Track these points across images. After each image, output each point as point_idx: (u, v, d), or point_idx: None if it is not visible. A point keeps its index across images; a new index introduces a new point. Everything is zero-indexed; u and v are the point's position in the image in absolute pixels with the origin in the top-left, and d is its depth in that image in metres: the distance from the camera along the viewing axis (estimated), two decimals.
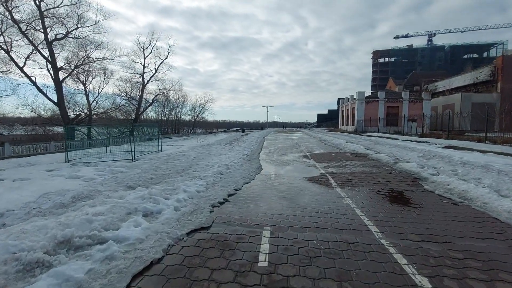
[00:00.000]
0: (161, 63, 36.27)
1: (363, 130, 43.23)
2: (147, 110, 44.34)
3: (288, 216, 4.42)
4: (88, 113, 31.72)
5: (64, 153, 10.38)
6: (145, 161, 8.87)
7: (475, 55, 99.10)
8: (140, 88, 36.33)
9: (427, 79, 66.91)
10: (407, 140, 22.39)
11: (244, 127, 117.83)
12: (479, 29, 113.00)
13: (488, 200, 4.95)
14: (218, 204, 4.95)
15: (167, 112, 49.48)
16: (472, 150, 13.30)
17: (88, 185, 5.39)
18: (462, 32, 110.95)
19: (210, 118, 60.95)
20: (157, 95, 37.63)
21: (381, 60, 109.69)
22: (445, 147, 16.85)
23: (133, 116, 36.57)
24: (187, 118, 56.92)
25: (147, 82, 36.38)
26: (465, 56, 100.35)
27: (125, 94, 35.74)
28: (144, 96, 37.58)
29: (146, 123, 34.15)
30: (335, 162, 10.15)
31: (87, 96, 31.78)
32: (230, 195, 5.62)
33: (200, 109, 54.36)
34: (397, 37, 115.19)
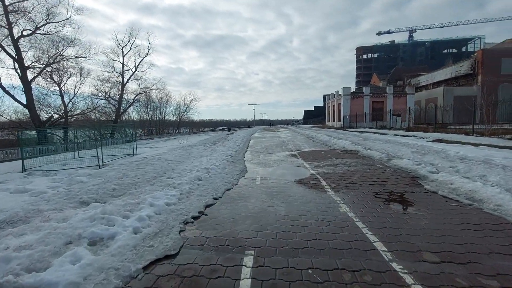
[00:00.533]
0: (141, 61, 34.79)
1: (350, 126, 43.24)
2: (129, 110, 42.63)
3: (275, 233, 3.63)
4: (63, 115, 29.88)
5: (29, 159, 9.22)
6: (114, 167, 7.87)
7: (454, 50, 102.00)
8: (120, 87, 34.64)
9: (410, 74, 68.04)
10: (394, 135, 22.18)
11: (231, 126, 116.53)
12: (458, 25, 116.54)
13: (501, 202, 4.35)
14: (192, 220, 4.10)
15: (150, 112, 47.83)
16: (462, 143, 13.01)
17: (32, 202, 4.41)
18: (441, 27, 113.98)
19: (195, 117, 59.50)
20: (138, 94, 36.05)
21: (365, 56, 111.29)
22: (434, 140, 16.62)
23: (114, 117, 34.86)
24: (171, 118, 55.30)
25: (127, 81, 34.80)
26: (445, 51, 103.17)
27: (103, 94, 34.00)
28: (125, 96, 35.95)
29: (120, 123, 32.59)
30: (325, 161, 9.48)
31: (62, 97, 29.93)
32: (207, 206, 4.78)
33: (184, 108, 52.85)
34: (379, 34, 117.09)
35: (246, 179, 6.90)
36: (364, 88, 48.20)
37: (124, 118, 41.32)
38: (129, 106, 36.59)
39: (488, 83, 44.79)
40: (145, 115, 46.25)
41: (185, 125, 75.68)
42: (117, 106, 34.68)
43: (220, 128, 51.27)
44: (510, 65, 44.40)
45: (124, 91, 35.79)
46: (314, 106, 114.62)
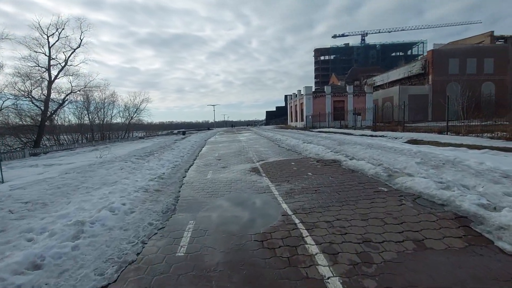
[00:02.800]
0: (72, 53, 28.93)
1: (313, 126, 41.89)
2: (64, 113, 35.93)
3: None
4: None
5: None
6: None
7: (401, 53, 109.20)
8: (47, 85, 28.40)
9: (365, 74, 70.10)
10: (362, 135, 20.43)
11: (192, 128, 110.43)
12: (403, 30, 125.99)
13: None
14: None
15: (91, 115, 41.22)
16: (442, 144, 11.16)
17: None
18: (389, 32, 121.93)
19: (147, 119, 53.44)
20: (69, 93, 30.02)
21: (322, 57, 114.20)
22: (409, 141, 14.84)
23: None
24: (119, 121, 48.79)
25: (55, 78, 28.65)
26: (393, 54, 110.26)
27: (26, 93, 27.49)
28: (54, 95, 29.69)
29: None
30: (301, 181, 6.51)
31: None
32: None
33: (134, 110, 46.85)
34: (334, 36, 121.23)
35: (161, 241, 3.55)
36: (325, 87, 47.42)
37: (56, 122, 34.62)
38: (59, 108, 30.31)
39: (438, 82, 46.84)
40: (85, 119, 39.58)
41: (138, 128, 68.71)
42: (43, 107, 28.36)
43: (176, 131, 46.36)
44: (455, 65, 46.91)
45: (53, 90, 29.56)
46: (276, 107, 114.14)
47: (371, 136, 19.41)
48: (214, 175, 7.77)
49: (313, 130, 32.34)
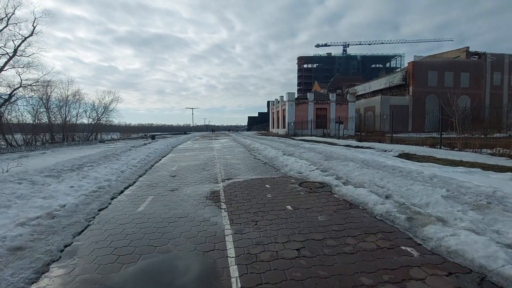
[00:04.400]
0: (23, 41, 25.19)
1: (295, 133, 40.19)
2: (18, 110, 31.68)
3: None
4: None
5: None
6: None
7: (380, 65, 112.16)
8: None
9: (347, 83, 70.14)
10: (347, 146, 18.65)
11: (172, 131, 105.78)
12: (382, 43, 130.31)
13: None
14: None
15: (51, 113, 36.93)
16: (442, 161, 9.41)
17: None
18: (369, 44, 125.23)
19: (118, 120, 49.46)
20: (18, 88, 26.14)
21: (305, 65, 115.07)
22: (401, 155, 13.09)
23: None
24: (85, 121, 44.53)
25: (1, 69, 24.75)
26: (373, 66, 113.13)
27: None
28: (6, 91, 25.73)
29: None
30: (276, 224, 4.21)
31: None
32: None
33: (102, 110, 42.93)
34: (318, 46, 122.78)
35: None
36: (308, 94, 46.08)
37: (4, 120, 30.28)
38: (4, 104, 26.27)
39: (418, 93, 46.96)
40: (43, 117, 35.29)
41: (110, 130, 63.98)
42: None
43: (144, 135, 42.92)
44: (435, 77, 47.34)
45: (1, 84, 25.64)
46: (258, 112, 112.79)
47: (357, 147, 17.67)
48: (150, 206, 5.30)
49: (295, 138, 30.47)
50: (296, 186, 6.61)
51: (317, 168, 8.10)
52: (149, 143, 22.03)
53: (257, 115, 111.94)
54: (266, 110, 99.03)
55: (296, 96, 45.69)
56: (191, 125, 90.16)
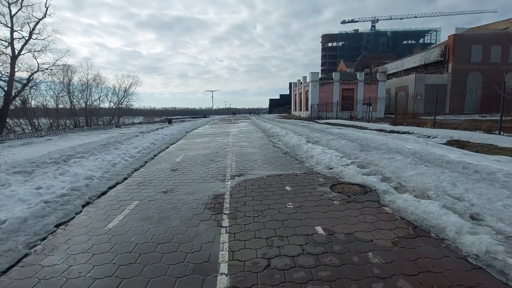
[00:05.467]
0: (37, 23, 24.63)
1: (318, 116, 37.68)
2: (41, 95, 32.08)
3: None
4: None
5: None
6: None
7: (413, 41, 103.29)
8: (9, 62, 24.34)
9: (376, 61, 64.99)
10: (380, 131, 16.32)
11: (194, 114, 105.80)
12: (415, 17, 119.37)
13: None
14: None
15: (73, 97, 37.31)
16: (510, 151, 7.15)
17: None
18: (401, 19, 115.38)
19: (136, 104, 49.51)
20: (34, 72, 25.93)
21: (330, 44, 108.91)
22: (450, 142, 10.80)
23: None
24: (108, 105, 44.88)
25: (19, 53, 24.53)
26: (404, 42, 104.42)
27: None
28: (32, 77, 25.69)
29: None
30: (299, 260, 2.60)
31: None
32: None
33: (122, 94, 42.87)
34: (343, 22, 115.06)
35: None
36: (333, 74, 42.79)
37: (29, 104, 30.81)
38: (24, 88, 26.30)
39: (459, 71, 42.07)
40: (61, 102, 35.67)
41: (134, 114, 64.83)
42: (6, 88, 24.44)
43: (165, 118, 42.44)
44: (478, 52, 41.96)
45: (21, 68, 25.57)
46: (280, 95, 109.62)
47: (393, 132, 15.36)
48: (127, 220, 3.88)
49: (318, 121, 28.19)
50: (327, 189, 4.90)
51: (352, 162, 6.29)
52: (162, 127, 20.99)
53: (278, 98, 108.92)
54: (288, 92, 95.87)
55: (320, 77, 42.60)
56: (214, 108, 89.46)
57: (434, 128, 15.55)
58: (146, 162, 7.80)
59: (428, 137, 12.74)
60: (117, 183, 5.73)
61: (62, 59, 29.31)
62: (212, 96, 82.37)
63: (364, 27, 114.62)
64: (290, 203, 4.31)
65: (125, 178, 6.12)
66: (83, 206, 4.43)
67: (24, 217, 3.54)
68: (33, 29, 24.53)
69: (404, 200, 3.91)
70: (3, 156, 6.93)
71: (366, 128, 18.05)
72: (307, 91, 42.90)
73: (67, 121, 35.96)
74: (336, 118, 31.89)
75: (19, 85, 25.53)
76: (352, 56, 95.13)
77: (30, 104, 31.12)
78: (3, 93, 24.45)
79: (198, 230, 3.47)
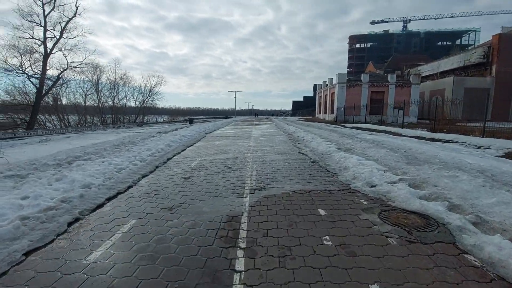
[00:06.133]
0: (68, 22, 25.28)
1: (344, 119, 35.78)
2: (71, 93, 33.24)
3: None
4: None
5: None
6: None
7: (448, 42, 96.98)
8: (42, 60, 25.20)
9: (409, 63, 61.31)
10: (418, 138, 14.60)
11: (216, 115, 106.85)
12: (452, 17, 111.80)
13: None
14: None
15: (101, 95, 38.36)
16: None
17: None
18: (435, 19, 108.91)
19: (160, 104, 50.26)
20: (64, 70, 26.66)
21: (358, 45, 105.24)
22: (508, 155, 9.10)
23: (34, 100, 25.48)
24: (133, 104, 45.89)
25: (50, 52, 25.33)
26: (439, 43, 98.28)
27: (19, 68, 24.47)
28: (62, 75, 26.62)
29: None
30: None
31: None
32: None
33: (147, 93, 43.57)
34: (373, 23, 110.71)
35: None
36: (362, 75, 40.64)
37: (60, 102, 31.97)
38: (53, 86, 27.12)
39: (504, 74, 38.26)
40: (90, 100, 36.78)
41: (159, 113, 66.31)
42: (38, 85, 25.33)
43: (188, 118, 42.51)
44: None
45: (52, 66, 26.49)
46: (304, 97, 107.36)
47: (433, 140, 13.65)
48: (111, 253, 3.00)
49: (345, 125, 26.50)
50: (375, 218, 3.73)
51: (400, 180, 5.04)
52: (182, 128, 20.49)
53: (302, 100, 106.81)
54: (311, 95, 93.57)
55: (347, 78, 40.59)
56: (237, 108, 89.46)
57: (483, 137, 13.60)
58: (157, 167, 7.02)
59: (479, 147, 11.02)
60: (119, 193, 4.94)
61: (90, 57, 30.04)
62: (235, 97, 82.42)
63: (394, 27, 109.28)
64: (327, 237, 3.21)
65: (129, 187, 5.32)
66: (69, 224, 3.62)
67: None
68: (64, 28, 25.22)
69: (497, 248, 2.68)
70: (8, 155, 6.44)
71: (401, 135, 16.34)
72: (333, 93, 41.07)
73: (95, 118, 37.18)
74: (365, 122, 29.93)
75: (50, 83, 26.39)
76: (381, 57, 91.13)
77: (61, 101, 32.32)
78: (35, 90, 25.41)
79: (202, 276, 2.49)
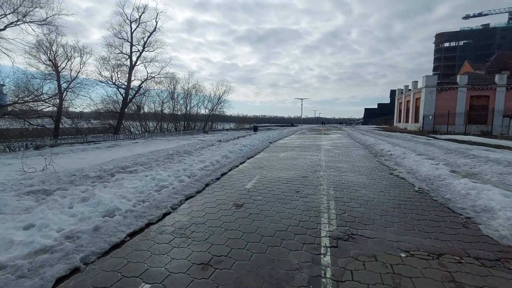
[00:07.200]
0: (149, 37, 27.59)
1: (434, 130, 29.85)
2: (152, 101, 36.74)
3: None
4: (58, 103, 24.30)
5: None
6: None
7: None
8: (128, 72, 28.14)
9: None
10: None
11: (282, 122, 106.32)
12: None
13: None
14: None
15: (176, 104, 41.40)
16: None
17: None
18: None
19: (228, 112, 51.64)
20: (145, 80, 29.09)
21: (446, 44, 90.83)
22: None
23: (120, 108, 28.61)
24: (203, 112, 48.38)
25: (135, 64, 28.04)
26: None
27: (111, 80, 27.86)
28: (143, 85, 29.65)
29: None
30: None
31: (58, 81, 24.32)
32: None
33: (216, 101, 45.25)
34: (467, 17, 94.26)
35: None
36: (458, 77, 33.77)
37: (144, 110, 35.49)
38: (135, 95, 29.87)
39: None
40: (167, 108, 40.00)
41: (227, 120, 69.13)
42: (124, 95, 28.33)
43: (253, 125, 42.21)
44: None
45: (133, 77, 29.42)
46: (378, 103, 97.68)
47: None
48: None
49: (437, 136, 21.65)
50: None
51: None
52: (245, 136, 19.54)
53: (376, 107, 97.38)
54: (387, 101, 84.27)
55: (437, 81, 34.21)
56: (302, 117, 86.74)
57: None
58: (206, 185, 5.72)
59: None
60: (149, 223, 3.69)
61: (166, 68, 32.43)
62: (302, 104, 79.34)
63: (495, 20, 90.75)
64: None
65: (165, 215, 4.05)
66: (59, 281, 2.41)
67: None
68: (146, 42, 27.65)
69: None
70: (66, 161, 6.08)
71: None
72: (418, 99, 35.15)
73: (169, 125, 40.33)
74: (465, 134, 24.12)
75: (132, 92, 29.30)
76: (478, 56, 76.66)
77: (144, 109, 35.93)
78: (121, 98, 28.51)
79: None
